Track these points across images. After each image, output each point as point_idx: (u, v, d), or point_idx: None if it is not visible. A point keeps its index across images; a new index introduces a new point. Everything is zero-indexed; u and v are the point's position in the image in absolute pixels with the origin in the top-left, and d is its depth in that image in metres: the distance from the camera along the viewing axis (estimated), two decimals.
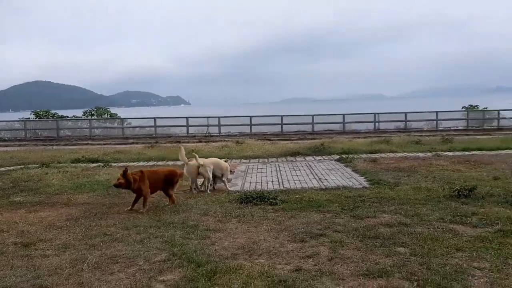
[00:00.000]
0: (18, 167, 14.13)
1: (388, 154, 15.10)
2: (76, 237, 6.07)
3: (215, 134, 27.62)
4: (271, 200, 8.11)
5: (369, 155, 14.81)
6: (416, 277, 4.38)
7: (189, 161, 9.66)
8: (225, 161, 10.38)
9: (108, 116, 33.73)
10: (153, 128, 28.90)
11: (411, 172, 11.12)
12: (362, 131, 27.57)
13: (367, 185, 9.71)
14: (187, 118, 28.57)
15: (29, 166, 14.23)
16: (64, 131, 30.44)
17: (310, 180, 10.76)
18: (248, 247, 5.49)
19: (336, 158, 14.40)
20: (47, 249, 5.58)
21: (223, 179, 9.85)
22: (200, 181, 9.89)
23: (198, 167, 9.48)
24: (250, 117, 28.12)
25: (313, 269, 4.72)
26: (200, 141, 24.72)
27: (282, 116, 28.20)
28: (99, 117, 33.07)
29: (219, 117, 28.39)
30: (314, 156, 15.24)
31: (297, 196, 8.65)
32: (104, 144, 25.09)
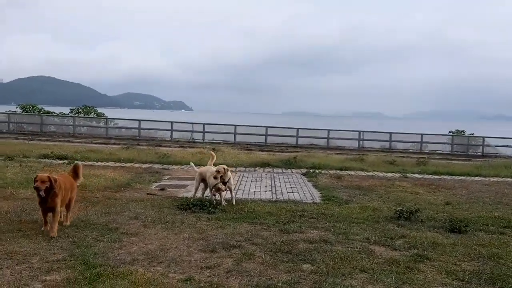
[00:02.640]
0: None
1: (357, 172, 14.95)
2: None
3: (199, 140, 27.49)
4: (210, 208, 8.00)
5: (337, 171, 14.69)
6: None
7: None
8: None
9: (95, 115, 33.63)
10: (137, 130, 28.78)
11: (369, 191, 10.99)
12: (346, 147, 27.44)
13: (318, 201, 9.57)
14: (171, 122, 28.48)
15: None
16: (50, 127, 30.35)
17: (266, 191, 10.63)
18: (153, 254, 5.33)
19: (303, 172, 14.27)
20: None
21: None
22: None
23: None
24: (235, 126, 28.06)
25: (204, 280, 4.57)
26: (182, 146, 24.57)
27: (266, 127, 28.12)
28: (85, 116, 32.97)
29: (203, 124, 28.30)
30: (283, 169, 15.12)
31: (242, 206, 8.50)
32: (85, 143, 24.92)
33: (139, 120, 28.83)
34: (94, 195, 9.15)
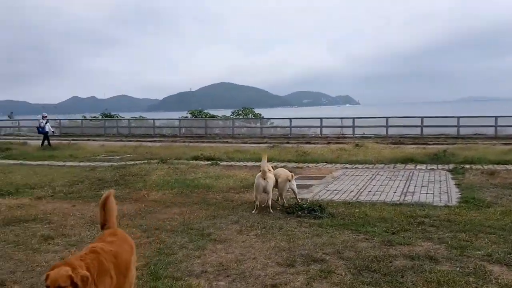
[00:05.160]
0: (143, 162, 15.57)
1: None
2: (95, 235, 6.45)
3: (349, 135, 26.58)
4: (317, 213, 7.47)
5: (493, 166, 12.56)
6: None
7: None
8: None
9: (252, 116, 35.27)
10: (289, 128, 29.22)
11: None
12: None
13: (453, 203, 8.25)
14: (321, 118, 28.13)
15: (151, 161, 15.60)
16: (214, 130, 32.77)
17: (394, 192, 9.59)
18: (226, 265, 5.12)
19: (450, 168, 12.57)
20: (58, 245, 6.05)
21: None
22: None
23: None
24: (387, 118, 26.29)
25: None
26: (329, 143, 23.99)
27: (422, 118, 25.71)
28: (245, 117, 34.79)
29: (353, 118, 27.26)
30: (428, 165, 13.56)
31: (356, 210, 7.78)
32: (241, 143, 26.13)
33: (290, 119, 29.23)
34: (214, 196, 9.41)
